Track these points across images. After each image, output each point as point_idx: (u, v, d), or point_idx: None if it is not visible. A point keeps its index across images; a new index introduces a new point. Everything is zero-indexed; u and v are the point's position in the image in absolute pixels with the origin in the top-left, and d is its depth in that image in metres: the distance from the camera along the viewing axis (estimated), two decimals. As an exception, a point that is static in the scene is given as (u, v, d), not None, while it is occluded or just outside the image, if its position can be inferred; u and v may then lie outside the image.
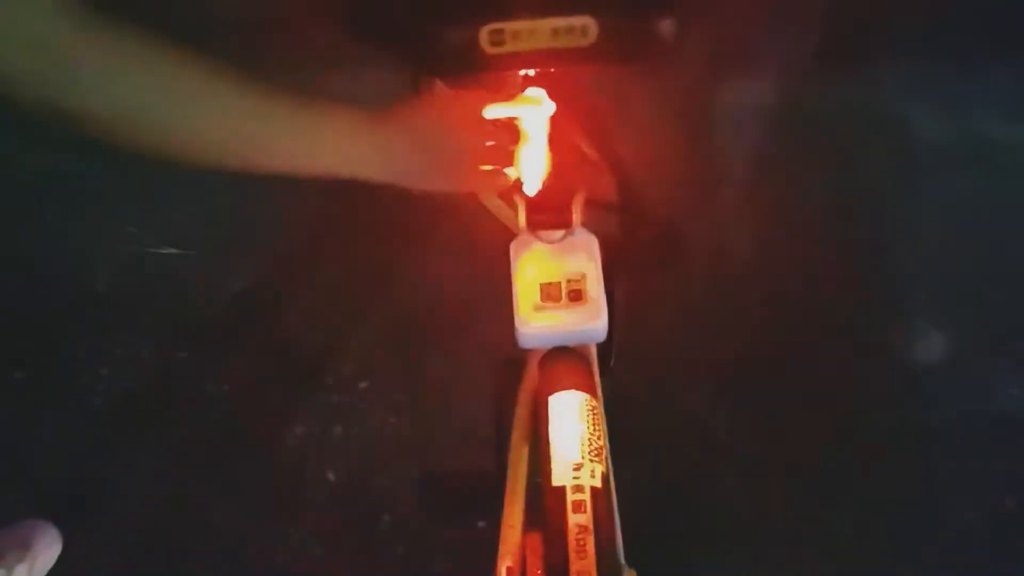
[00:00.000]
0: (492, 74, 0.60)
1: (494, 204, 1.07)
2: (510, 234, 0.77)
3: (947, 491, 1.26)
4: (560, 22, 0.53)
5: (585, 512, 0.61)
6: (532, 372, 0.78)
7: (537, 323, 0.71)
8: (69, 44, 0.48)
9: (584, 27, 0.53)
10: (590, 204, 0.78)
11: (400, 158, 0.61)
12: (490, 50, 0.53)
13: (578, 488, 0.63)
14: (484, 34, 0.53)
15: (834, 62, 1.80)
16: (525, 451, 0.77)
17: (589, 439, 0.66)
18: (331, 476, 1.26)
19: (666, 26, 0.54)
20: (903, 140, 1.69)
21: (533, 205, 0.73)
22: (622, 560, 0.67)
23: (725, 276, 1.47)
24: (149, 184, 1.61)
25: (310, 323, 1.41)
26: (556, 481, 0.64)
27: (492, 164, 0.66)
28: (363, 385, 1.34)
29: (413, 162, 0.62)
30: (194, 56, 0.52)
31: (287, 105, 0.56)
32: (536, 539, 0.72)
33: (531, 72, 0.64)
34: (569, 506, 0.62)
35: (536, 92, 0.65)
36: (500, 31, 0.53)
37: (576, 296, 0.71)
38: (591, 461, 0.64)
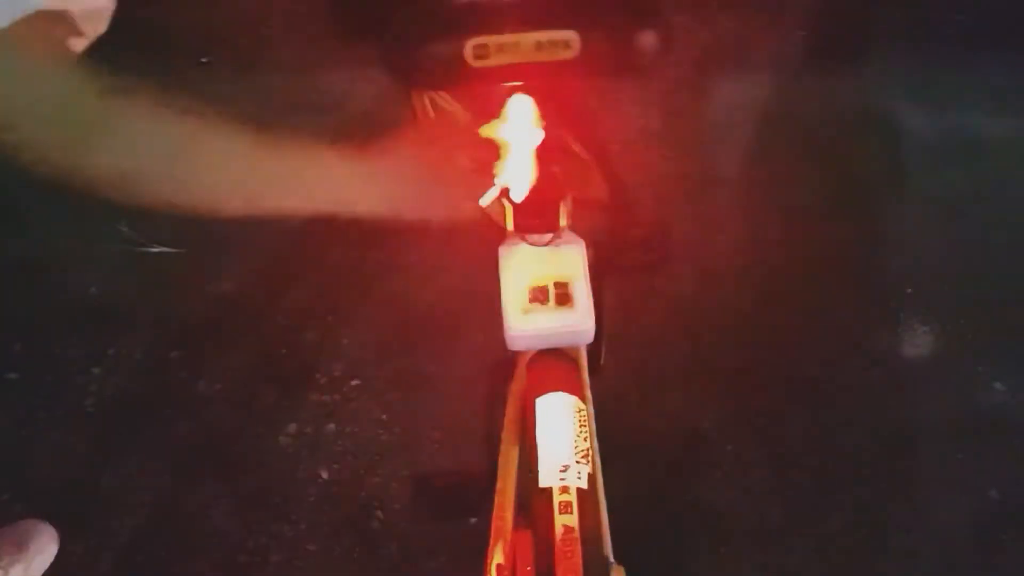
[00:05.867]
0: (478, 86, 0.61)
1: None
2: (500, 233, 0.79)
3: (933, 484, 1.28)
4: (543, 36, 0.54)
5: (572, 513, 0.62)
6: (521, 374, 0.79)
7: (525, 325, 0.72)
8: (93, 113, 0.49)
9: (567, 41, 0.54)
10: (579, 204, 0.79)
11: (396, 187, 0.63)
12: (475, 64, 0.54)
13: (565, 490, 0.64)
14: (469, 48, 0.54)
15: (823, 59, 1.81)
16: (515, 452, 0.78)
17: (576, 441, 0.67)
18: (324, 474, 1.27)
19: (648, 40, 0.55)
20: (892, 136, 1.70)
21: (520, 210, 0.75)
22: (611, 559, 0.68)
23: (714, 276, 1.48)
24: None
25: (302, 322, 1.41)
26: (543, 483, 0.65)
27: (485, 177, 0.68)
28: (355, 383, 1.35)
29: (409, 189, 0.63)
30: (198, 107, 0.54)
31: (283, 150, 0.58)
32: (526, 538, 0.73)
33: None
34: (556, 507, 0.63)
35: (523, 100, 0.66)
36: (484, 45, 0.54)
37: (563, 299, 0.72)
38: (577, 463, 0.66)
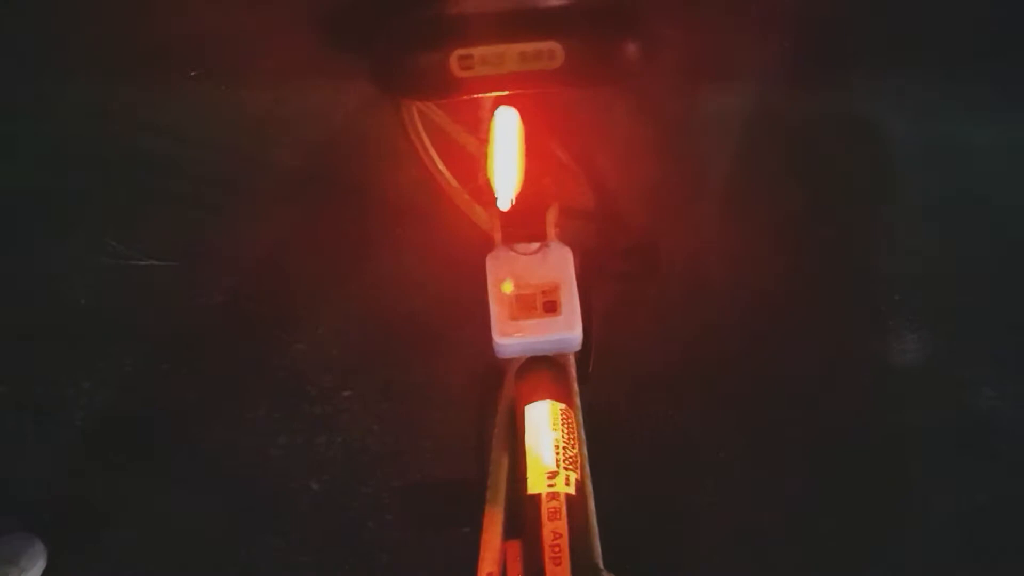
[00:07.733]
0: (463, 96, 0.62)
1: (474, 212, 1.09)
2: (488, 241, 0.79)
3: (923, 490, 1.29)
4: (527, 47, 0.55)
5: (560, 519, 0.63)
6: (510, 382, 0.79)
7: (513, 334, 0.72)
8: None
9: (551, 51, 0.55)
10: (567, 213, 0.80)
11: None
12: (460, 74, 0.55)
13: (553, 496, 0.64)
14: (454, 59, 0.55)
15: (808, 69, 1.83)
16: (505, 460, 0.79)
17: (564, 448, 0.68)
18: (315, 486, 1.27)
19: (632, 50, 0.56)
20: (878, 143, 1.72)
21: (507, 219, 0.75)
22: (600, 565, 0.69)
23: (703, 282, 1.49)
24: (129, 197, 1.61)
25: (292, 334, 1.41)
26: (532, 489, 0.65)
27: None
28: (346, 394, 1.35)
29: None
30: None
31: None
32: (516, 546, 0.74)
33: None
34: (545, 513, 0.63)
35: (508, 110, 0.67)
36: (469, 56, 0.55)
37: (551, 307, 0.73)
38: (566, 469, 0.66)
